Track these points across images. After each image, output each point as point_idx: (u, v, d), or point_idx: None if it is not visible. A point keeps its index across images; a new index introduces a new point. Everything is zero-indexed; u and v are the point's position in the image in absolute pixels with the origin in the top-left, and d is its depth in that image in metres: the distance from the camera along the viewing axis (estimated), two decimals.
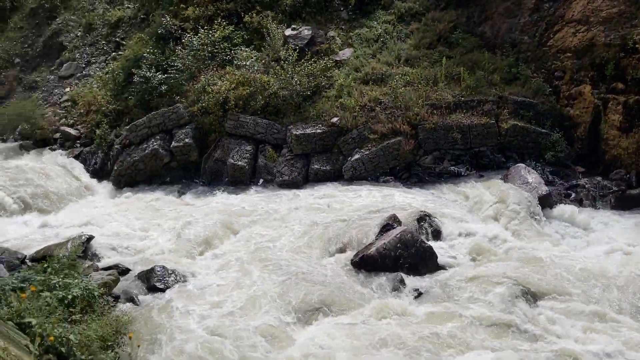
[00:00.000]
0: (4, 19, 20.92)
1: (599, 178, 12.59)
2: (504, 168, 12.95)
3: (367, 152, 13.20)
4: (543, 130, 13.41)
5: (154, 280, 8.52)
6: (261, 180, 13.83)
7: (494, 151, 13.40)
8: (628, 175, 12.47)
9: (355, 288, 8.45)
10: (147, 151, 14.35)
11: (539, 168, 12.76)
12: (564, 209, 11.27)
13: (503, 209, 10.94)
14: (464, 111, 13.50)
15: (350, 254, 9.31)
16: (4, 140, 16.70)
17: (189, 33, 16.32)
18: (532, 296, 7.90)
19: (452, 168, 13.13)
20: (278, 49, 15.41)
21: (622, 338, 6.87)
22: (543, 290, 8.10)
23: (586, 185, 12.32)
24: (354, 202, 11.60)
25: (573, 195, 12.05)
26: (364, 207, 11.19)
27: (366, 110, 13.82)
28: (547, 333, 7.04)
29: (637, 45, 12.72)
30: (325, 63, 15.06)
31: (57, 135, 16.34)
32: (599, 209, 11.60)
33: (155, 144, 14.40)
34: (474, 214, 11.21)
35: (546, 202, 11.27)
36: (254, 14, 16.59)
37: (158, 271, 8.68)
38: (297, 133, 13.66)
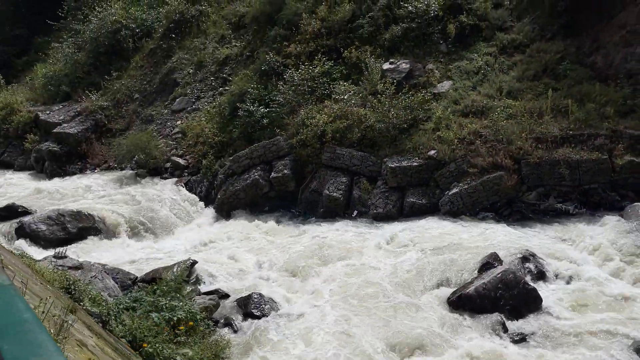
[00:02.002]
0: (127, 59, 23.17)
1: None
2: (618, 208, 11.93)
3: (466, 187, 12.81)
4: None
5: (250, 307, 8.78)
6: (355, 212, 13.88)
7: (607, 189, 12.43)
8: None
9: (449, 326, 8.15)
10: (248, 181, 15.00)
11: None
12: None
13: (617, 254, 10.08)
14: (572, 145, 12.73)
15: (446, 292, 9.01)
16: (122, 169, 18.26)
17: (290, 69, 17.02)
18: None
19: (558, 205, 12.34)
20: (376, 83, 15.59)
21: None
22: None
23: None
24: (452, 238, 11.24)
25: None
26: (462, 243, 10.82)
27: (465, 143, 13.48)
28: None
29: None
30: (423, 96, 14.98)
31: (168, 164, 17.59)
32: None
33: (256, 174, 15.02)
34: (584, 257, 10.38)
35: None
36: (353, 49, 16.96)
37: (255, 298, 8.93)
38: (393, 165, 13.62)
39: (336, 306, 8.84)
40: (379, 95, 15.06)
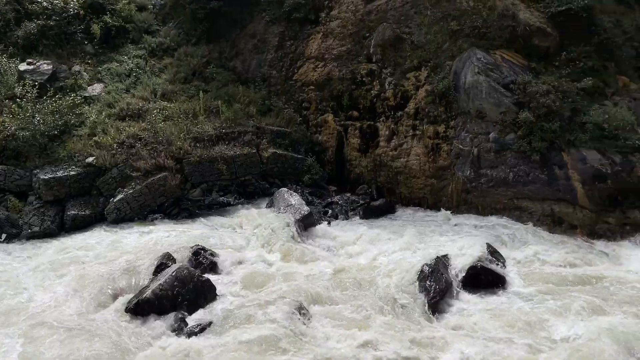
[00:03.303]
0: None
1: (349, 194, 14.34)
2: (269, 194, 13.70)
3: (131, 191, 12.52)
4: (299, 156, 14.66)
5: None
6: (4, 236, 11.87)
7: (258, 179, 14.09)
8: (370, 190, 14.48)
9: (131, 336, 7.86)
10: None
11: (300, 190, 13.88)
12: (324, 225, 12.39)
13: (268, 234, 11.43)
14: (227, 142, 13.92)
15: (124, 301, 8.65)
16: None
17: None
18: (304, 308, 8.40)
19: (221, 199, 13.34)
20: (12, 86, 13.64)
21: (376, 331, 7.81)
22: (312, 301, 8.72)
23: (339, 202, 13.87)
24: (123, 246, 10.83)
25: (330, 212, 13.42)
26: (134, 249, 10.54)
27: (125, 147, 13.16)
28: (317, 338, 7.62)
29: (363, 79, 14.96)
30: (72, 99, 13.88)
31: None
32: (351, 220, 13.09)
33: None
34: (246, 241, 11.50)
35: (309, 221, 12.22)
36: None
37: None
38: (46, 177, 12.22)
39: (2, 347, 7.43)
40: (18, 100, 13.23)
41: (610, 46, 13.17)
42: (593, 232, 10.95)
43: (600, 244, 10.75)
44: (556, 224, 11.43)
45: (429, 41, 14.11)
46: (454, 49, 13.60)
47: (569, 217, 11.32)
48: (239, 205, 13.28)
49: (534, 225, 11.59)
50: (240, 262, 10.47)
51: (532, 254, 10.39)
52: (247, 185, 13.82)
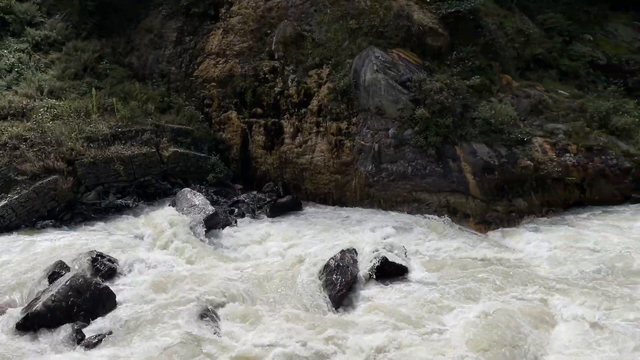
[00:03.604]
0: None
1: (255, 192, 14.23)
2: (171, 194, 13.22)
3: (17, 196, 11.52)
4: (202, 155, 14.30)
5: None
6: None
7: (159, 179, 13.56)
8: (276, 187, 14.48)
9: (20, 354, 7.25)
10: None
11: (204, 190, 13.53)
12: (230, 225, 12.18)
13: (172, 236, 11.00)
14: (124, 142, 13.25)
15: (14, 316, 7.95)
16: None
17: None
18: (212, 310, 8.24)
19: (118, 201, 12.67)
20: None
21: (287, 328, 7.84)
22: (220, 303, 8.56)
23: (246, 200, 13.71)
24: (9, 257, 9.94)
25: (236, 210, 13.22)
26: (22, 259, 9.71)
27: (8, 149, 12.09)
28: (224, 340, 7.51)
29: (266, 76, 14.90)
30: None
31: None
32: (258, 218, 13.00)
33: None
34: (147, 245, 11.00)
35: (214, 221, 11.94)
36: None
37: None
38: None
39: None
40: None
41: (494, 47, 14.22)
42: (484, 220, 11.75)
43: (491, 231, 11.58)
44: (452, 214, 12.12)
45: (329, 39, 14.35)
46: (354, 47, 13.95)
47: (463, 207, 12.06)
48: (139, 207, 12.68)
49: (432, 216, 12.22)
50: (142, 267, 10.00)
51: (432, 243, 10.97)
52: (147, 186, 13.23)
